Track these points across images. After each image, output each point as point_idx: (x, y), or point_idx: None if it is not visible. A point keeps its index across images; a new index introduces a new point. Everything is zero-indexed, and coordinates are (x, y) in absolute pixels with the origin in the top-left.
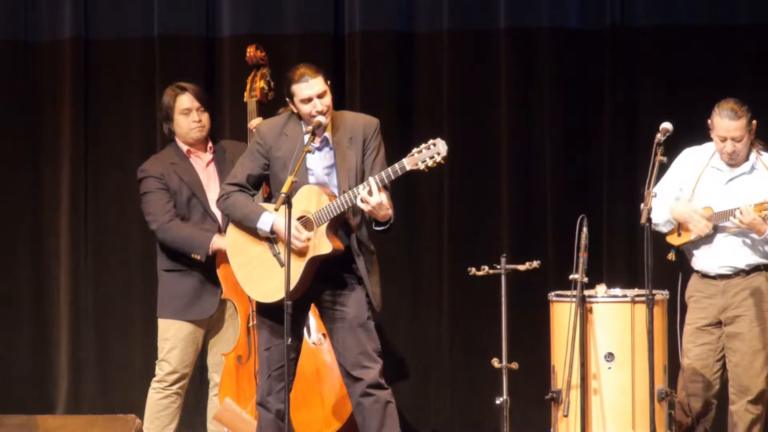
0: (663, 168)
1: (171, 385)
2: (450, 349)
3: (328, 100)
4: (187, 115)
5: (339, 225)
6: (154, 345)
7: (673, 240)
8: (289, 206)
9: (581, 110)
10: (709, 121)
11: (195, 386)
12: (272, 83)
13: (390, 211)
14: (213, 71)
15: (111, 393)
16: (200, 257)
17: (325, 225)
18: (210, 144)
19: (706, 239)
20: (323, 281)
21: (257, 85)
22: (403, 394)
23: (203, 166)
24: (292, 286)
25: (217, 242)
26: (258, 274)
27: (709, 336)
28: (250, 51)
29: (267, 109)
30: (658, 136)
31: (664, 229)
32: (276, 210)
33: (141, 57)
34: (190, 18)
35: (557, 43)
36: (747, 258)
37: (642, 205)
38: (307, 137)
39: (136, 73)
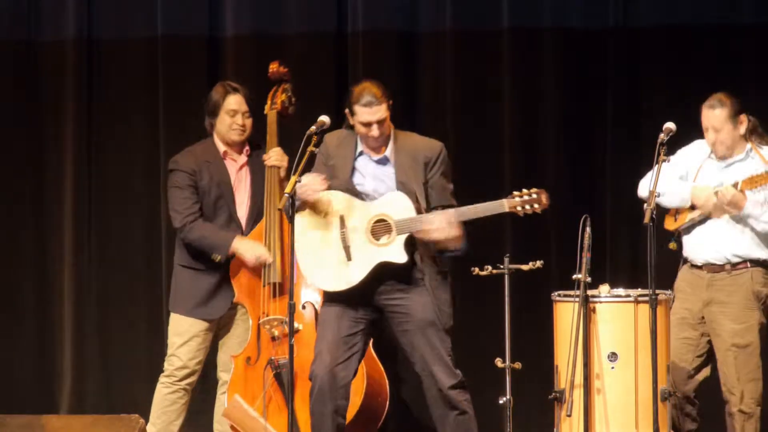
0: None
1: (180, 380)
2: (453, 349)
3: (384, 125)
4: (233, 116)
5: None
6: (158, 345)
7: (670, 225)
8: (293, 206)
9: (584, 110)
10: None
11: (198, 385)
12: (293, 99)
13: (458, 243)
14: (216, 71)
15: (114, 393)
16: (220, 258)
17: (405, 236)
18: (247, 147)
19: (699, 226)
20: (390, 285)
21: (278, 98)
22: (406, 394)
23: (236, 168)
24: (355, 282)
25: (237, 245)
26: (320, 259)
27: (691, 331)
28: (273, 67)
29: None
30: (662, 135)
31: (666, 202)
32: (280, 209)
33: (144, 56)
34: (192, 17)
35: (560, 43)
36: (735, 248)
37: (645, 205)
38: (311, 137)
39: (139, 73)
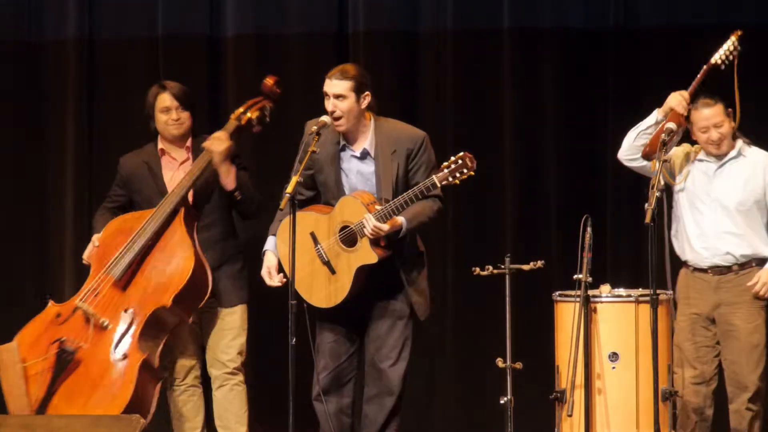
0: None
1: (183, 379)
2: (454, 349)
3: (343, 105)
4: (165, 112)
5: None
6: None
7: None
8: (293, 206)
9: (584, 110)
10: (687, 125)
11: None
12: (267, 119)
13: (386, 227)
14: (217, 71)
15: None
16: None
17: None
18: (188, 144)
19: (697, 228)
20: (372, 281)
21: (251, 112)
22: (407, 394)
23: (176, 165)
24: (343, 296)
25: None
26: (312, 281)
27: (705, 332)
28: (269, 81)
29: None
30: (662, 136)
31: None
32: (281, 209)
33: (145, 56)
34: (193, 17)
35: (560, 43)
36: (742, 248)
37: (646, 205)
38: (311, 137)
39: (140, 73)
